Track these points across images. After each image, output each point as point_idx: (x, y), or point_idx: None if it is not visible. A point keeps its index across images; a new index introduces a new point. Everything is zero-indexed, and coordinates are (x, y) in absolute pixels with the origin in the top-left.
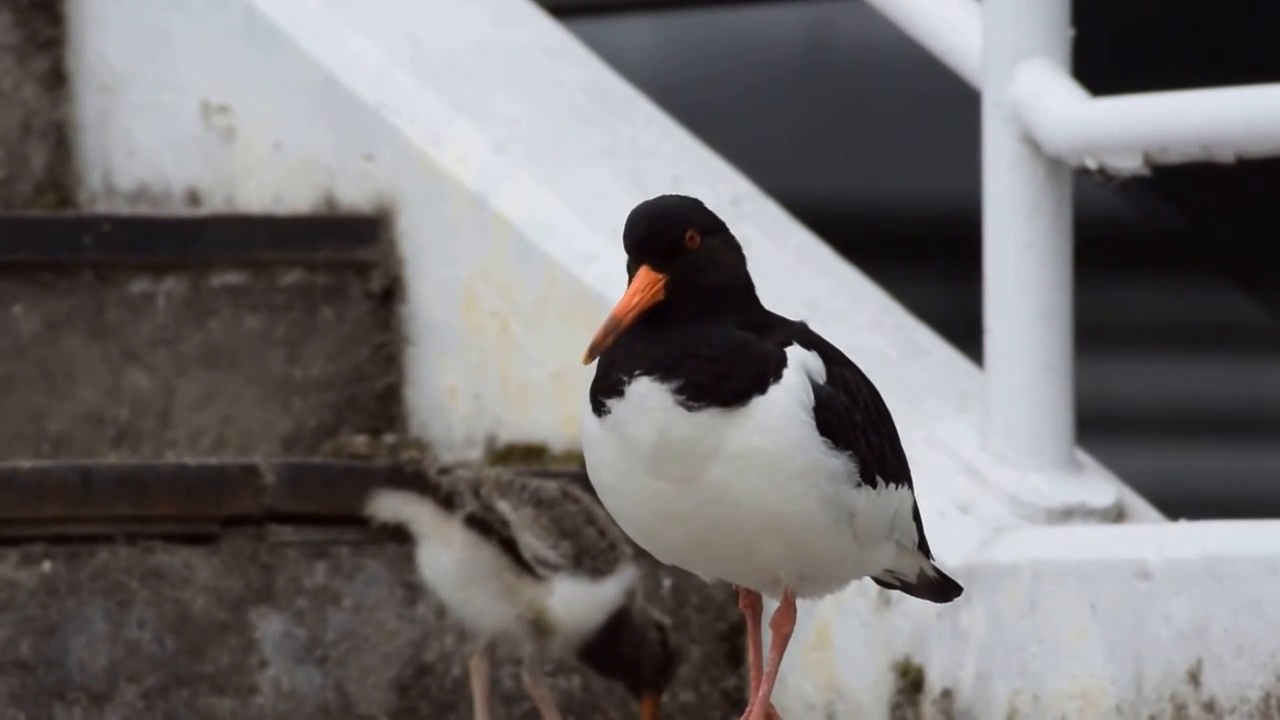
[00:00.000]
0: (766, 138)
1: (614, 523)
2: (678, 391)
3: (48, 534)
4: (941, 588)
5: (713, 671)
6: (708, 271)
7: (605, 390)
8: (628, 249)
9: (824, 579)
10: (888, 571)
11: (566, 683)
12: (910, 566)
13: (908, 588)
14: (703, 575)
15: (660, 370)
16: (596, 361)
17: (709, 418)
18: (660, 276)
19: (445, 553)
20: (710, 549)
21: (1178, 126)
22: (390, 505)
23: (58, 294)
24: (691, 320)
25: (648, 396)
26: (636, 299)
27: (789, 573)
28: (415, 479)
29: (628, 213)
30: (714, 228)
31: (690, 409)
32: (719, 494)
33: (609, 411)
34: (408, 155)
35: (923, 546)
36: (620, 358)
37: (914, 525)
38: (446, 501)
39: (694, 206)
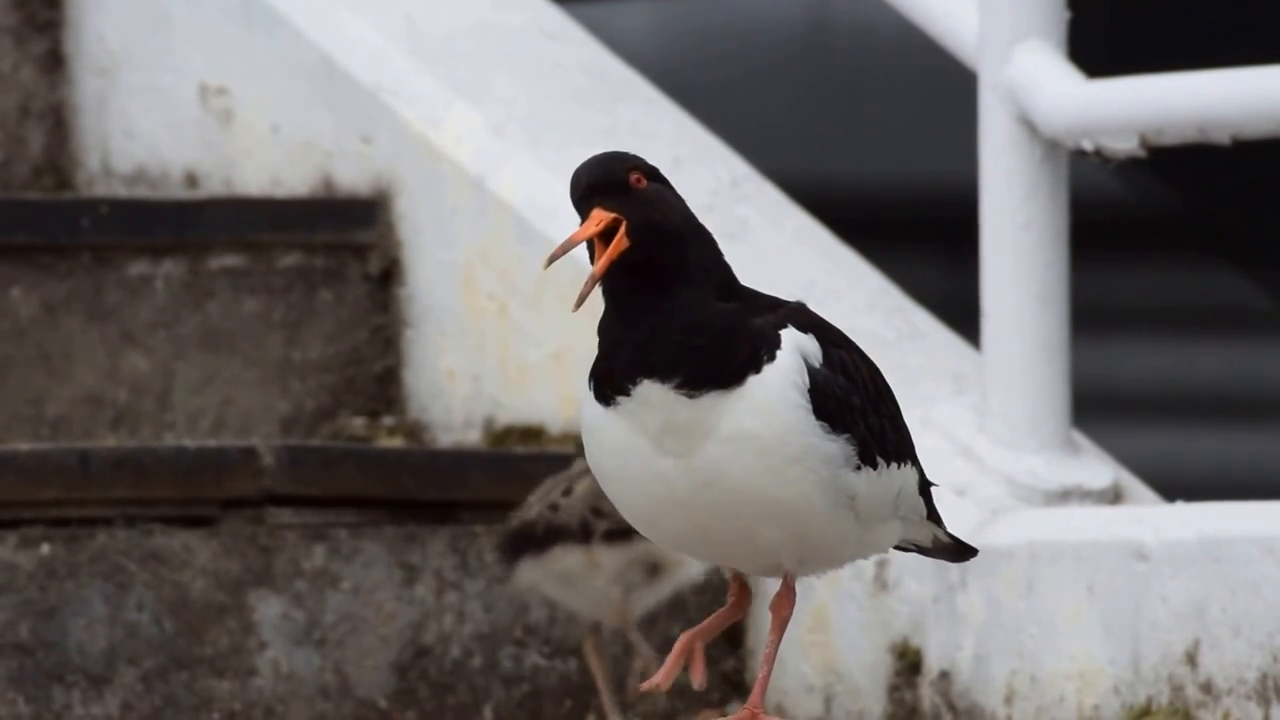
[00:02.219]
0: (765, 120)
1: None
2: (679, 387)
3: (46, 516)
4: (956, 550)
5: (711, 653)
6: (659, 208)
7: (611, 390)
8: (577, 200)
9: (826, 561)
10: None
11: (564, 665)
12: (923, 536)
13: (923, 551)
14: (702, 561)
15: (660, 372)
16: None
17: (710, 400)
18: (611, 215)
19: (597, 580)
20: (710, 534)
21: (1173, 108)
22: (538, 571)
23: (56, 276)
24: (671, 290)
25: (651, 395)
26: (609, 253)
27: (790, 557)
28: (548, 533)
29: None
30: (659, 177)
31: (692, 397)
32: (715, 477)
33: (616, 404)
34: (406, 137)
35: (933, 516)
36: (619, 354)
37: (921, 500)
38: (584, 533)
39: (635, 155)
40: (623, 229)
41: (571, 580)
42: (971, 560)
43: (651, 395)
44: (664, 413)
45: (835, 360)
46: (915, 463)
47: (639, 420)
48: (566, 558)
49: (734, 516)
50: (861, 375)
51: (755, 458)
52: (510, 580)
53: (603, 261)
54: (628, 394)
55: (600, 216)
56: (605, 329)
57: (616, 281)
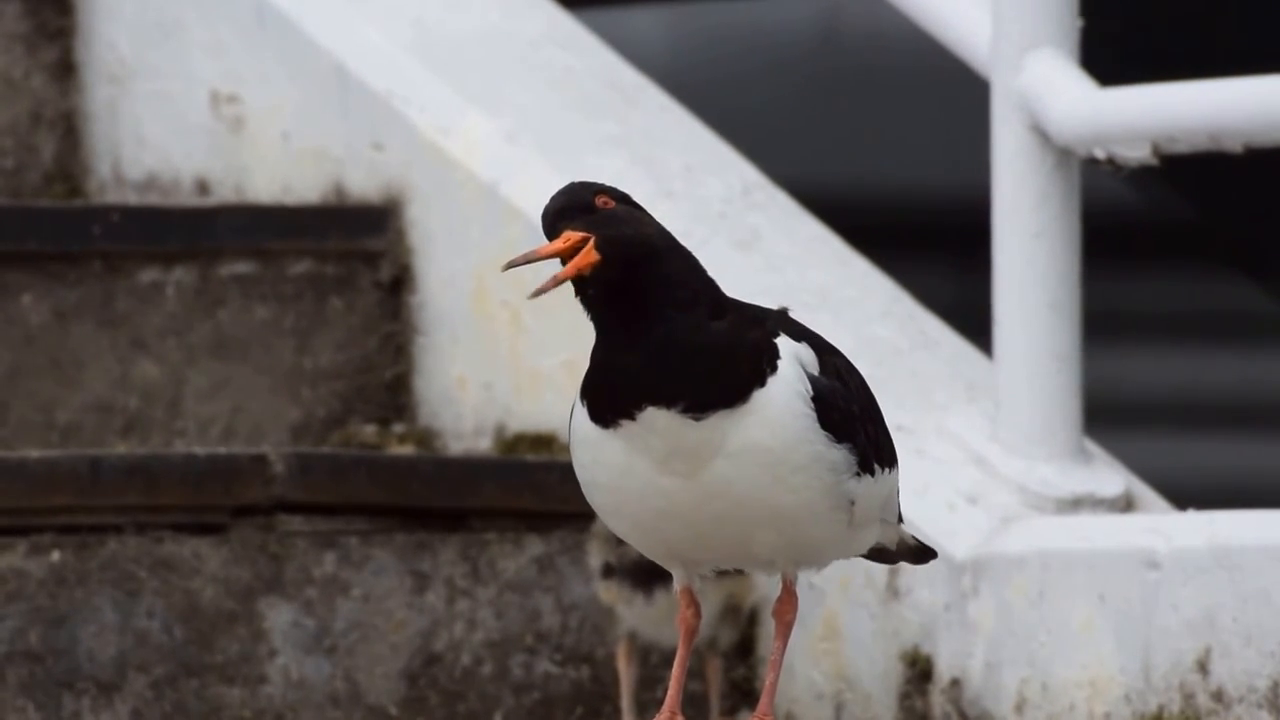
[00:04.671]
0: (777, 127)
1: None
2: (685, 411)
3: (57, 524)
4: (919, 553)
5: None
6: (628, 223)
7: (616, 412)
8: (547, 230)
9: (814, 562)
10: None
11: (576, 672)
12: (891, 538)
13: (885, 555)
14: (683, 574)
15: (665, 399)
16: (591, 361)
17: (716, 420)
18: (579, 234)
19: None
20: (707, 541)
21: (1186, 116)
22: (636, 610)
23: (67, 284)
24: (663, 316)
25: (656, 420)
26: (576, 260)
27: (785, 560)
28: (650, 574)
29: (644, 200)
30: (630, 202)
31: (699, 420)
32: (721, 488)
33: (618, 425)
34: (417, 145)
35: (900, 518)
36: (619, 382)
37: (898, 502)
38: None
39: (604, 183)
40: (591, 242)
41: (672, 618)
42: (982, 569)
43: (657, 421)
44: (671, 437)
45: (830, 367)
46: (898, 467)
47: (643, 443)
48: (667, 599)
49: (735, 525)
50: (854, 381)
51: (763, 469)
52: (647, 604)
53: (568, 268)
54: (632, 419)
55: (569, 235)
56: (600, 357)
57: (608, 309)
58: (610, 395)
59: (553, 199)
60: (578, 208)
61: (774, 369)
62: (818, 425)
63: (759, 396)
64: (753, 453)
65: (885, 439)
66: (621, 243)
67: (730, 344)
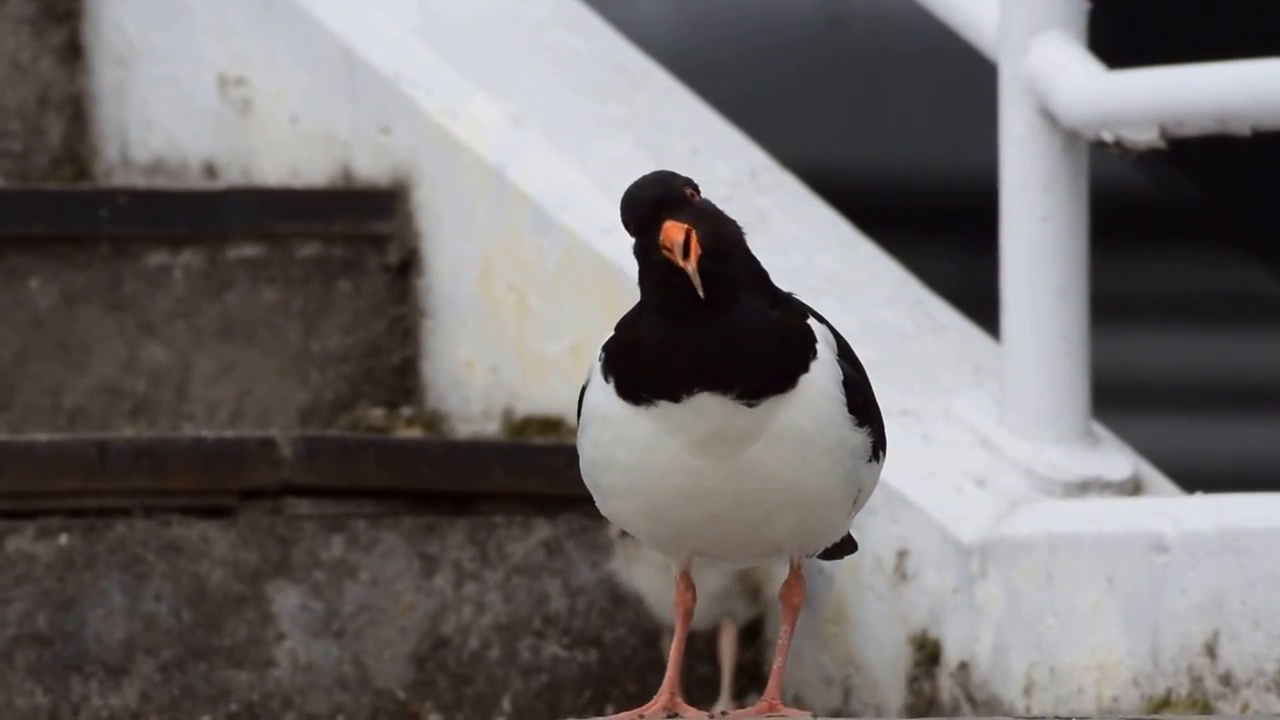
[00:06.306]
0: (785, 110)
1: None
2: (739, 397)
3: (65, 507)
4: (843, 543)
5: None
6: (722, 219)
7: (657, 393)
8: (641, 216)
9: (814, 549)
10: None
11: (583, 655)
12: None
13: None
14: (683, 558)
15: (722, 384)
16: (623, 339)
17: (767, 405)
18: (685, 225)
19: (711, 577)
20: (723, 522)
21: (1193, 99)
22: (651, 567)
23: (75, 267)
24: (734, 302)
25: (708, 406)
26: (695, 253)
27: (793, 546)
28: None
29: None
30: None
31: (752, 406)
32: (751, 468)
33: (653, 405)
34: (425, 128)
35: None
36: (674, 363)
37: None
38: None
39: (684, 175)
40: (694, 236)
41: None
42: (990, 552)
43: (709, 406)
44: (718, 421)
45: (845, 352)
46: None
47: (679, 424)
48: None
49: (756, 506)
50: (861, 368)
51: (794, 450)
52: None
53: (690, 263)
54: (676, 401)
55: (674, 227)
56: (653, 336)
57: (680, 291)
58: (653, 376)
59: (646, 188)
60: (676, 199)
61: (815, 354)
62: (846, 409)
63: (804, 380)
64: (788, 434)
65: (883, 429)
66: (722, 238)
67: (786, 331)
